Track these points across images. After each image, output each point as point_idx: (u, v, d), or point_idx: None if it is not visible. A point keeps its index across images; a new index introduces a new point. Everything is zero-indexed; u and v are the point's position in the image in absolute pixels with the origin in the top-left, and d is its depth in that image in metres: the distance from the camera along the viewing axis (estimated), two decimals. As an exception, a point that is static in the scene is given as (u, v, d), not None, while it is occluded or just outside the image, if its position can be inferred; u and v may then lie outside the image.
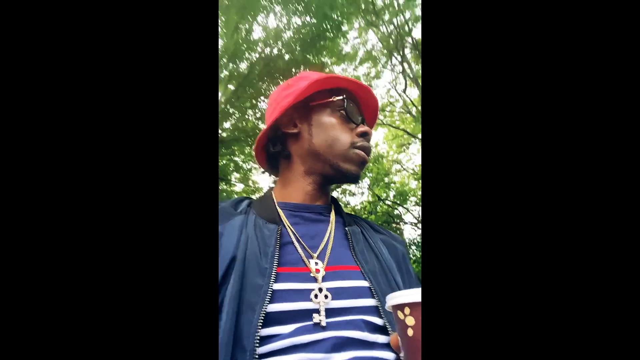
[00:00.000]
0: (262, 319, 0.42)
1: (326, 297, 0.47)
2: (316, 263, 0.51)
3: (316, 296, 0.47)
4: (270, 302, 0.44)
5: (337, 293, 0.48)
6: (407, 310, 0.33)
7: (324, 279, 0.50)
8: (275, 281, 0.47)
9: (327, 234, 0.58)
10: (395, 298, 0.33)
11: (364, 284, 0.51)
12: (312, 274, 0.50)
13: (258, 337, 0.41)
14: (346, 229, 0.60)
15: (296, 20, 5.41)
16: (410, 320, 0.32)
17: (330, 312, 0.46)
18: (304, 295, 0.47)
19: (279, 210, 0.59)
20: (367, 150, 0.61)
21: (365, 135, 0.61)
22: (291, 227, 0.56)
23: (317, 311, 0.46)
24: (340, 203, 0.68)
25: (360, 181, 0.69)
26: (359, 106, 0.65)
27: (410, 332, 0.32)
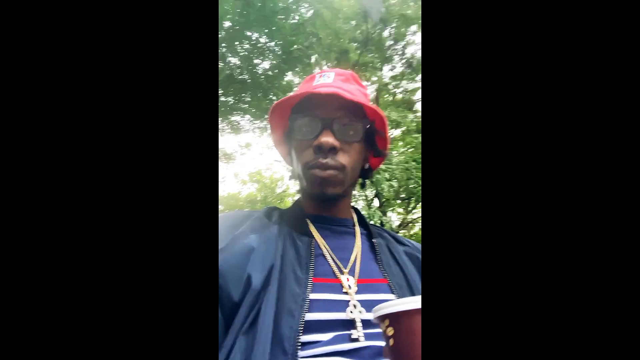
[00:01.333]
0: (302, 326, 0.45)
1: (360, 312, 0.49)
2: (347, 279, 0.53)
3: (352, 312, 0.49)
4: (308, 310, 0.47)
5: (369, 306, 0.49)
6: (386, 322, 0.34)
7: (357, 292, 0.52)
8: (311, 291, 0.49)
9: (356, 247, 0.59)
10: (377, 311, 0.35)
11: (392, 297, 0.53)
12: (344, 289, 0.52)
13: (300, 343, 0.44)
14: (373, 241, 0.62)
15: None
16: (390, 331, 0.34)
17: (364, 324, 0.49)
18: (338, 306, 0.50)
19: (309, 222, 0.60)
20: (323, 167, 0.55)
21: (320, 150, 0.55)
22: (322, 240, 0.58)
23: (353, 324, 0.48)
24: (363, 214, 0.68)
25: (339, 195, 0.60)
26: (319, 114, 0.57)
27: (391, 342, 0.34)
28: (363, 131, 0.58)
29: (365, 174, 0.66)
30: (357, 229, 0.64)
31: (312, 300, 0.48)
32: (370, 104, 0.59)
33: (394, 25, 5.25)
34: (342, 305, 0.50)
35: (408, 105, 6.28)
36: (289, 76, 5.58)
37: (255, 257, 0.50)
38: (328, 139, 0.54)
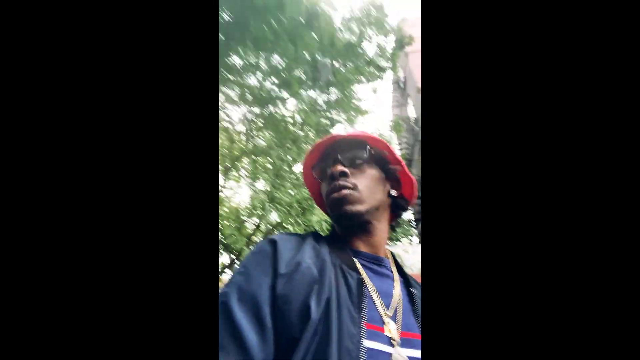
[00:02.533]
0: None
1: None
2: (390, 330, 0.52)
3: None
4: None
5: None
6: None
7: (400, 345, 0.50)
8: (365, 337, 0.48)
9: (397, 294, 0.58)
10: None
11: None
12: (390, 338, 0.50)
13: None
14: (412, 291, 0.61)
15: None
16: None
17: None
18: (386, 357, 0.48)
19: (354, 258, 0.60)
20: (337, 188, 0.61)
21: (333, 178, 0.63)
22: (369, 281, 0.57)
23: None
24: (398, 259, 0.68)
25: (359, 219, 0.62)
26: (330, 155, 0.67)
27: None
28: (367, 154, 0.66)
29: (397, 204, 0.70)
30: (396, 273, 0.64)
31: (367, 349, 0.47)
32: (367, 134, 0.68)
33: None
34: (388, 357, 0.49)
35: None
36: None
37: (316, 288, 0.50)
38: (337, 166, 0.64)
